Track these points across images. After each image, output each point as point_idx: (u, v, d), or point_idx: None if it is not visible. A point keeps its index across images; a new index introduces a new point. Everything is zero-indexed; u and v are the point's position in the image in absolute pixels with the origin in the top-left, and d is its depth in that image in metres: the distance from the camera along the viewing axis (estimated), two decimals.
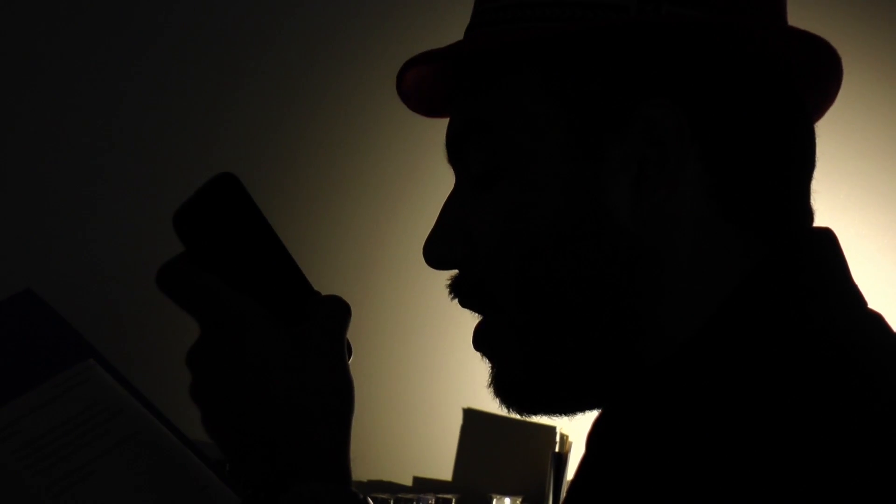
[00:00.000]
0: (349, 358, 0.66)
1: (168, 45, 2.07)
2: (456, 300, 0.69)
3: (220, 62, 2.11)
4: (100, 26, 2.02)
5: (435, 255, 0.68)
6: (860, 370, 0.56)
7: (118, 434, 0.65)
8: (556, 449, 2.18)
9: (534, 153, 0.64)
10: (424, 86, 0.71)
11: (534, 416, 0.68)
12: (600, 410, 0.66)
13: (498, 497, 2.15)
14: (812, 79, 0.67)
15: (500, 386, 0.67)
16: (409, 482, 2.21)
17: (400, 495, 2.09)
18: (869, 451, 0.51)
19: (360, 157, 2.17)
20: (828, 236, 0.66)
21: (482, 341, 0.68)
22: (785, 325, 0.59)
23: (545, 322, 0.64)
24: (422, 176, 2.13)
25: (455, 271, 0.69)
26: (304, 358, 0.61)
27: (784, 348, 0.57)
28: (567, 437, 2.19)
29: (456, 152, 0.69)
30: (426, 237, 0.69)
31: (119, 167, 2.00)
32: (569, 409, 0.68)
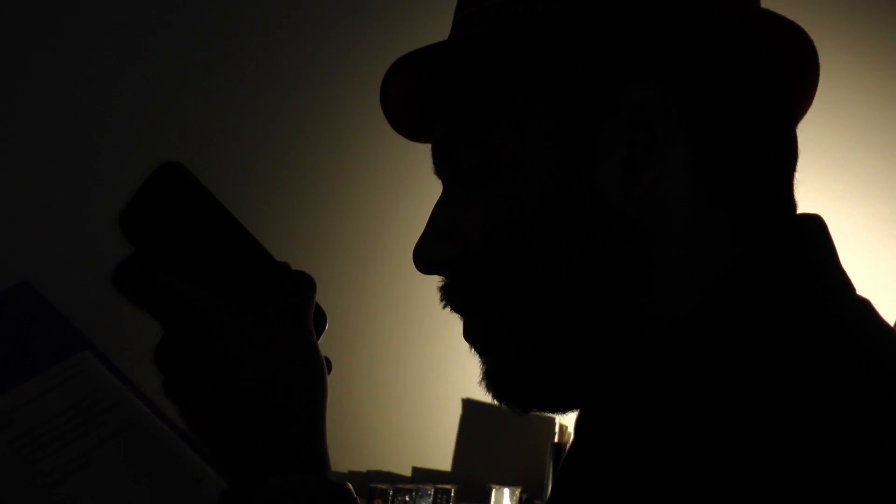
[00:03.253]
0: (324, 328, 0.64)
1: (167, 42, 2.07)
2: (448, 308, 0.67)
3: (218, 60, 2.10)
4: (99, 23, 2.01)
5: (425, 257, 0.67)
6: (848, 355, 0.55)
7: (113, 425, 0.65)
8: (556, 439, 2.18)
9: (522, 143, 0.64)
10: (409, 104, 0.71)
11: (529, 412, 0.67)
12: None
13: (497, 487, 2.16)
14: (793, 74, 0.67)
15: (494, 380, 0.67)
16: (408, 472, 2.21)
17: (399, 485, 2.09)
18: (855, 437, 0.51)
19: (360, 151, 2.17)
20: (816, 222, 0.66)
21: (474, 334, 0.67)
22: (773, 310, 0.59)
23: (542, 308, 0.63)
24: (421, 169, 2.12)
25: (444, 278, 0.68)
26: (269, 347, 0.60)
27: (772, 333, 0.57)
28: (566, 427, 2.19)
29: (443, 154, 0.69)
30: (416, 243, 0.68)
31: (118, 160, 2.00)
32: (563, 402, 0.67)
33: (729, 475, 0.50)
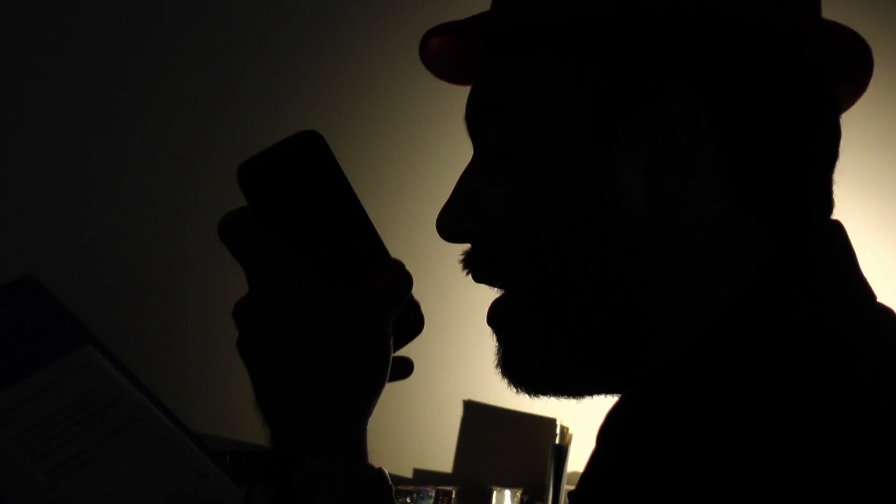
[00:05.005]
0: (420, 329, 0.65)
1: (171, 36, 2.07)
2: (469, 275, 0.68)
3: (221, 58, 2.10)
4: (103, 21, 2.02)
5: (448, 227, 0.67)
6: (872, 368, 0.55)
7: (117, 421, 0.65)
8: (557, 441, 2.18)
9: (549, 135, 0.63)
10: (448, 53, 0.71)
11: (541, 396, 0.67)
12: (611, 406, 0.65)
13: (498, 489, 2.15)
14: (843, 70, 0.66)
15: (508, 364, 0.67)
16: (409, 474, 2.21)
17: (400, 487, 2.09)
18: (878, 451, 0.51)
19: (361, 151, 2.17)
20: (837, 230, 0.65)
21: (494, 314, 0.68)
22: (796, 321, 0.58)
23: (554, 303, 0.63)
24: (424, 170, 2.12)
25: (467, 246, 0.68)
26: (338, 331, 0.60)
27: (796, 345, 0.56)
28: (567, 428, 2.18)
29: (474, 125, 0.69)
30: (441, 209, 0.68)
31: (119, 156, 2.00)
32: (576, 391, 0.67)
33: (743, 489, 0.50)
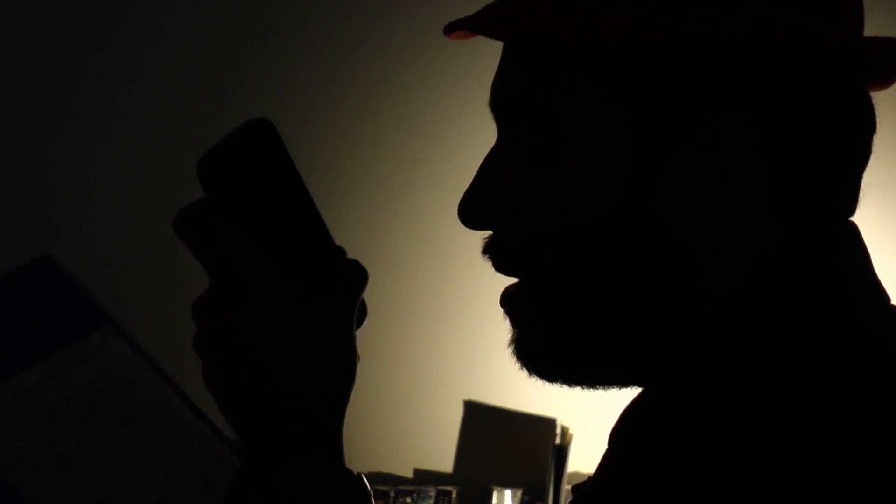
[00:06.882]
0: (363, 321, 0.64)
1: (171, 35, 2.07)
2: (489, 261, 0.67)
3: (220, 58, 2.10)
4: (103, 21, 2.02)
5: (474, 216, 0.66)
6: (880, 371, 0.56)
7: (133, 404, 0.65)
8: (557, 441, 2.18)
9: (594, 148, 0.62)
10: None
11: (553, 384, 0.68)
12: (624, 408, 0.66)
13: (498, 489, 2.15)
14: (878, 68, 0.66)
15: (523, 354, 0.67)
16: (409, 474, 2.21)
17: (401, 487, 2.09)
18: (883, 456, 0.51)
19: (361, 149, 2.17)
20: (852, 231, 0.66)
21: (511, 303, 0.67)
22: (806, 323, 0.59)
23: (582, 311, 0.63)
24: (425, 170, 2.12)
25: (480, 233, 0.68)
26: (309, 328, 0.60)
27: (806, 350, 0.57)
28: (568, 429, 2.19)
29: (501, 116, 0.66)
30: (465, 192, 0.66)
31: (120, 155, 2.00)
32: (590, 384, 0.67)
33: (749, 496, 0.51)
